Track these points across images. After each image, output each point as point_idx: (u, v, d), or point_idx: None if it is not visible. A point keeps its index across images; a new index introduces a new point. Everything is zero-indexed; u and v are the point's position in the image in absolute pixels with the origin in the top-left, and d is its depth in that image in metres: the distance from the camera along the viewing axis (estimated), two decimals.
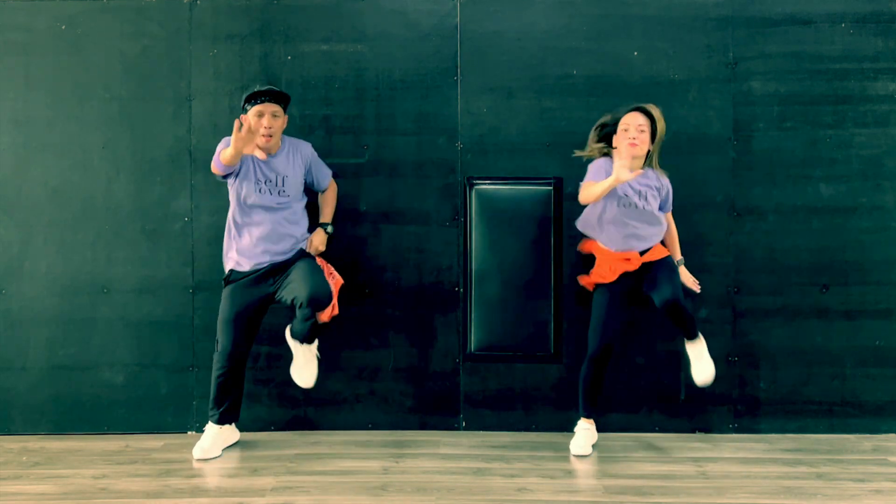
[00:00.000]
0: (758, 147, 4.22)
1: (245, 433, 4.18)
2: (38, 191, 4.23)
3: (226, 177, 3.84)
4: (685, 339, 3.92)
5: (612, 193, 3.82)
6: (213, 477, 3.61)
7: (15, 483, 3.56)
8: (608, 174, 3.76)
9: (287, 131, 4.07)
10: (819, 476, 3.64)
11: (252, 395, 4.23)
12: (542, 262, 4.19)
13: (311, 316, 3.79)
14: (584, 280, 4.02)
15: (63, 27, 4.22)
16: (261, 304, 3.89)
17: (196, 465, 3.76)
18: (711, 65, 4.22)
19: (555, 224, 4.19)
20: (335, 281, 3.90)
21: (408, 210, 4.25)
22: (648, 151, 3.85)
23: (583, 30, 4.23)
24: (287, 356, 4.06)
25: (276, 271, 3.87)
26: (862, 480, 3.58)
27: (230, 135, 3.93)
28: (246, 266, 3.87)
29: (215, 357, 3.90)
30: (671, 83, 4.21)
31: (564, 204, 4.19)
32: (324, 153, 4.16)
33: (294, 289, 3.76)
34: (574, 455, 3.87)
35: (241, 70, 4.22)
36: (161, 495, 3.40)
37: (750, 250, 4.23)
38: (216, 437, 3.90)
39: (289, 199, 3.88)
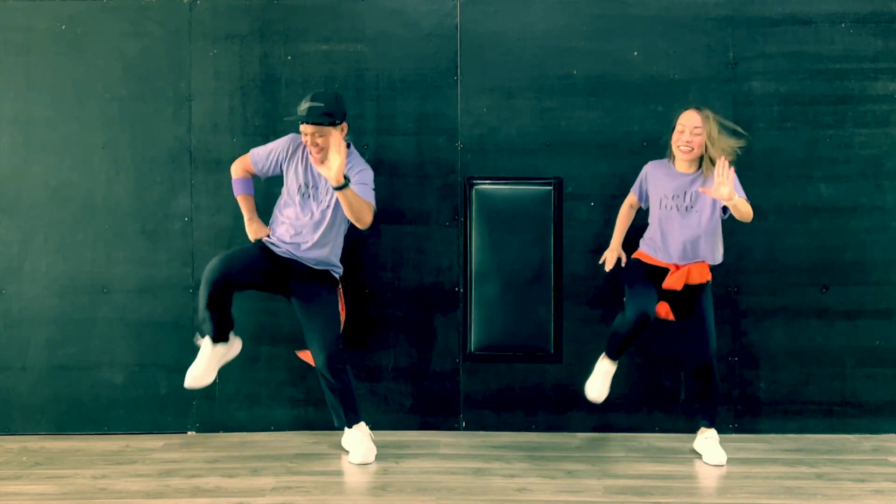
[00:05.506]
0: (758, 147, 4.21)
1: (245, 433, 4.18)
2: (38, 191, 4.22)
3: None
4: (702, 426, 3.89)
5: (654, 192, 3.81)
6: (213, 477, 3.61)
7: (15, 483, 3.56)
8: (644, 176, 3.88)
9: (287, 131, 4.03)
10: (819, 476, 3.64)
11: (252, 395, 4.23)
12: (542, 262, 4.19)
13: (335, 383, 3.75)
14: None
15: (63, 27, 4.22)
16: (266, 274, 3.77)
17: (196, 462, 3.76)
18: (711, 65, 4.21)
19: (555, 224, 4.19)
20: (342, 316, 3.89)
21: (408, 210, 4.25)
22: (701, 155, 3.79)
23: (583, 30, 4.22)
24: (288, 356, 4.06)
25: (296, 271, 3.80)
26: (862, 480, 3.58)
27: (230, 134, 3.97)
28: (276, 249, 3.79)
29: (210, 268, 3.65)
30: (671, 83, 4.21)
31: (564, 204, 4.20)
32: None
33: (310, 339, 3.75)
34: (590, 398, 3.83)
35: (241, 70, 4.21)
36: (161, 495, 3.41)
37: (750, 250, 4.22)
38: (210, 360, 3.74)
39: (325, 207, 3.77)
